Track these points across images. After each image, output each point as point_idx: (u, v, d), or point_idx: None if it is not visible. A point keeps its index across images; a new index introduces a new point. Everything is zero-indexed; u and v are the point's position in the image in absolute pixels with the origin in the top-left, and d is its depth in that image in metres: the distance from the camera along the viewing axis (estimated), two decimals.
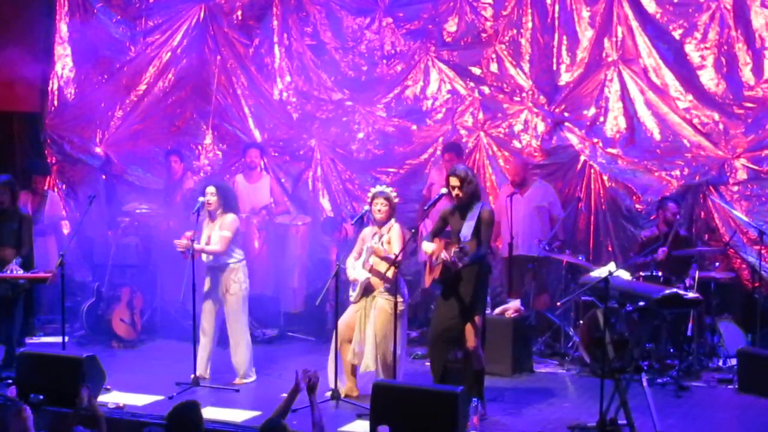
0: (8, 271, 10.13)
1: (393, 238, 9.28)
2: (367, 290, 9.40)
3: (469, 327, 8.72)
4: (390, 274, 9.08)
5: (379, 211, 9.37)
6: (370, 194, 9.57)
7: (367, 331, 9.35)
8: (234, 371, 10.17)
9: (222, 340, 10.35)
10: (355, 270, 9.47)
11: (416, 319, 12.44)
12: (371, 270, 9.34)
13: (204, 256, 10.07)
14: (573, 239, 12.03)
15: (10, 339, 10.44)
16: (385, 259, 9.21)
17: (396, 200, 9.54)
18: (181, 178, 12.79)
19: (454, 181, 8.77)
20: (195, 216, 10.11)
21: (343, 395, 9.40)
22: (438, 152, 12.78)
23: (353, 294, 9.45)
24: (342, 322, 9.47)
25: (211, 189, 10.09)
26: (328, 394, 9.30)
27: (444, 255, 8.56)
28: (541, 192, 11.80)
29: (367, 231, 9.59)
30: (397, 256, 8.96)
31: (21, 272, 10.14)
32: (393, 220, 9.41)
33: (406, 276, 12.20)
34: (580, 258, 11.24)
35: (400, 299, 9.24)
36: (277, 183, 12.98)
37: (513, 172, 11.94)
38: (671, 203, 11.05)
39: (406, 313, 9.58)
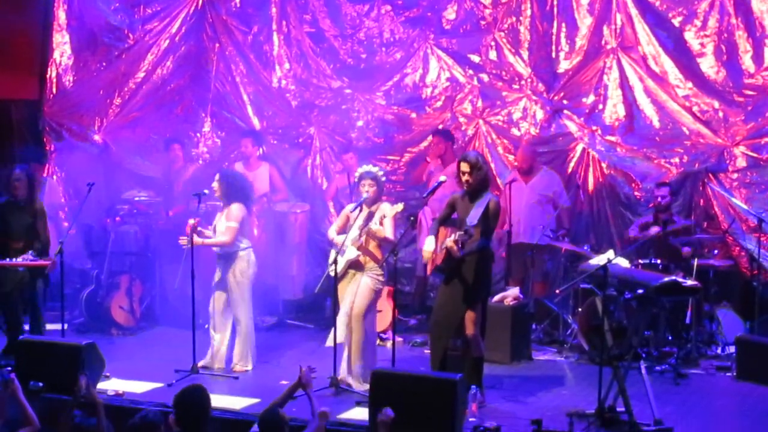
0: (18, 260, 10.18)
1: (386, 218, 9.30)
2: (356, 266, 9.43)
3: (469, 314, 8.72)
4: (379, 254, 9.35)
5: (367, 191, 9.38)
6: (357, 174, 9.58)
7: (344, 304, 9.43)
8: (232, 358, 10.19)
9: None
10: (345, 245, 9.44)
11: (413, 306, 12.47)
12: (360, 248, 9.35)
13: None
14: (572, 227, 12.03)
15: (38, 322, 10.54)
16: (384, 240, 9.25)
17: (383, 179, 9.55)
18: (182, 167, 12.78)
19: (465, 167, 8.77)
20: (196, 201, 10.12)
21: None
22: None
23: (339, 265, 9.42)
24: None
25: (216, 177, 10.11)
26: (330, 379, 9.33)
27: (448, 241, 8.55)
28: (547, 180, 11.78)
29: (351, 208, 9.60)
30: (395, 245, 9.00)
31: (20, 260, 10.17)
32: (388, 205, 9.42)
33: (405, 263, 12.28)
34: (585, 248, 11.21)
35: (382, 278, 9.44)
36: (277, 170, 12.95)
37: (521, 158, 11.89)
38: (660, 188, 11.06)
39: (379, 292, 9.64)
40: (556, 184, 11.84)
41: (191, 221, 9.98)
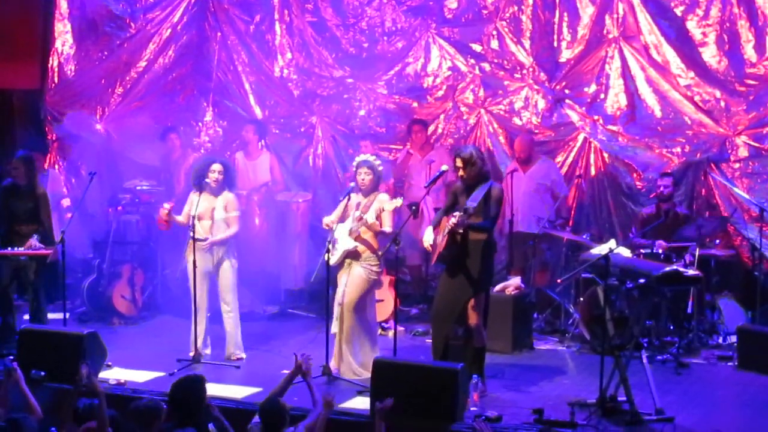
0: (20, 248, 10.24)
1: (385, 215, 9.31)
2: (351, 256, 9.44)
3: (472, 304, 8.72)
4: (376, 244, 9.40)
5: (363, 180, 9.40)
6: (354, 163, 9.59)
7: (337, 294, 9.46)
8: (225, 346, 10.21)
9: (214, 316, 10.38)
10: (342, 235, 9.46)
11: (415, 296, 12.48)
12: (358, 239, 9.37)
13: (199, 233, 9.99)
14: (573, 217, 12.04)
15: (39, 309, 10.57)
16: (381, 233, 9.28)
17: (380, 169, 9.55)
18: (180, 156, 12.78)
19: (458, 162, 8.77)
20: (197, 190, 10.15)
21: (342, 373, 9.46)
22: (440, 130, 12.80)
23: (334, 256, 9.44)
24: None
25: (218, 167, 10.04)
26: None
27: (449, 224, 8.52)
28: (545, 169, 11.77)
29: (352, 198, 9.59)
30: (397, 234, 8.98)
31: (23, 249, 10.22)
32: (387, 197, 9.44)
33: (406, 253, 12.25)
34: (585, 236, 11.22)
35: (377, 269, 9.45)
36: (278, 161, 12.94)
37: (519, 148, 11.88)
38: (663, 178, 11.06)
39: (377, 284, 9.70)
40: (554, 173, 11.84)
41: (166, 205, 9.99)
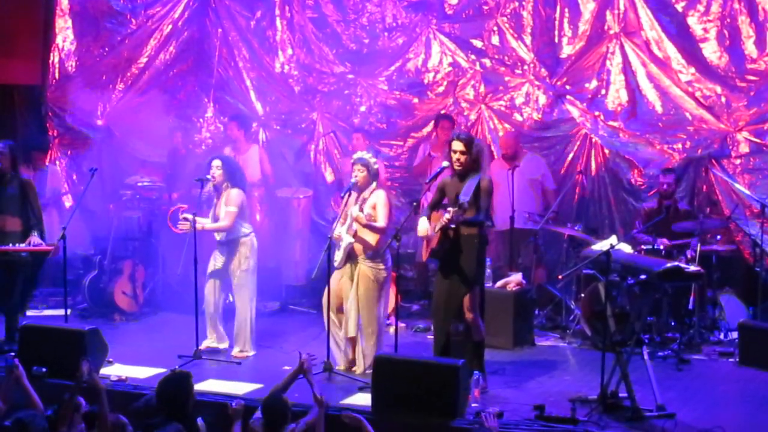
0: (27, 244, 10.22)
1: (379, 204, 9.32)
2: (351, 256, 9.43)
3: (467, 298, 8.70)
4: (373, 241, 9.32)
5: (356, 176, 9.41)
6: (351, 160, 9.60)
7: (350, 298, 9.43)
8: (233, 343, 10.21)
9: (228, 314, 10.38)
10: (342, 234, 9.48)
11: (416, 292, 12.48)
12: (355, 236, 9.37)
13: (216, 233, 10.09)
14: (574, 212, 12.04)
15: (13, 310, 10.50)
16: (367, 226, 9.27)
17: (375, 166, 9.55)
18: (186, 154, 12.79)
19: (458, 146, 8.69)
20: (198, 187, 10.14)
21: (343, 368, 9.46)
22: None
23: (337, 258, 9.46)
24: (332, 291, 9.53)
25: (216, 162, 10.10)
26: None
27: (443, 219, 8.49)
28: (533, 165, 11.81)
29: (353, 195, 9.60)
30: (398, 230, 8.95)
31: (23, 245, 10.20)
32: (374, 185, 9.46)
33: (408, 249, 12.26)
34: (576, 228, 11.22)
35: (382, 266, 9.38)
36: (267, 153, 12.86)
37: (505, 144, 11.93)
38: (665, 175, 11.07)
39: (388, 281, 9.66)
40: (542, 167, 11.92)
41: (189, 216, 10.01)
